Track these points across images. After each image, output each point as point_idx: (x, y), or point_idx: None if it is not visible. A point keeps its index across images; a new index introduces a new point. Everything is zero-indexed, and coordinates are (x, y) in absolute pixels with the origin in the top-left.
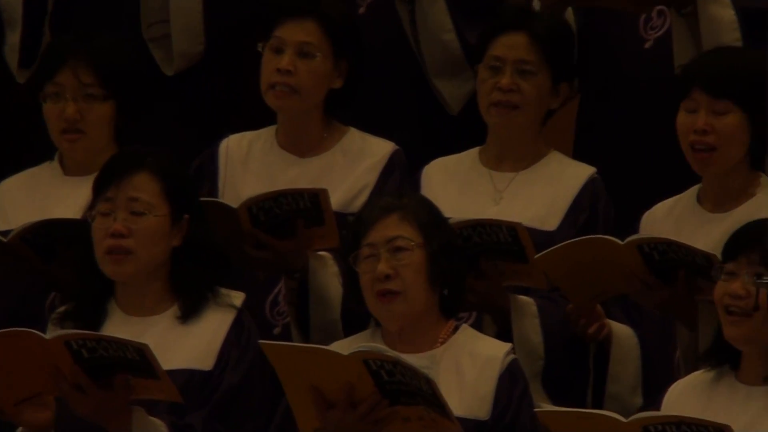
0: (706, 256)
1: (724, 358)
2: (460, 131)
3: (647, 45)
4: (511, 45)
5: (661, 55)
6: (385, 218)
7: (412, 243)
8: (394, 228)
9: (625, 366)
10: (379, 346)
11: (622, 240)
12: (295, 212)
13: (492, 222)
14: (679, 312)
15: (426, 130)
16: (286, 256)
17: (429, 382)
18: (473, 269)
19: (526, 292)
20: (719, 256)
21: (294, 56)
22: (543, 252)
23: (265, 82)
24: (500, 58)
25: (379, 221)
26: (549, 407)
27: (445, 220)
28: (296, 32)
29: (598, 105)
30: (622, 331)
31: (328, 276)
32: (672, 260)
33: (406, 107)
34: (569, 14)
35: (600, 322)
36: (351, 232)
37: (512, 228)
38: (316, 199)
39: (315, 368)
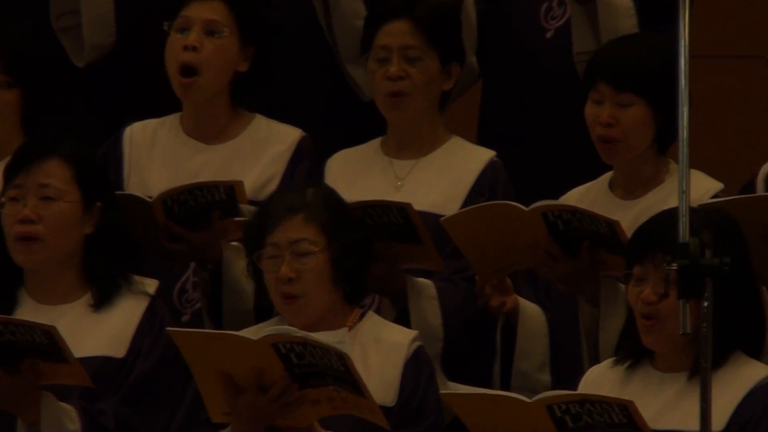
0: (610, 224)
1: (638, 351)
2: (373, 118)
3: (548, 35)
4: (395, 32)
5: (562, 44)
6: (289, 219)
7: (316, 248)
8: (298, 230)
9: (532, 342)
10: (288, 328)
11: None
12: (210, 204)
13: (382, 203)
14: (582, 286)
15: (338, 118)
16: (201, 247)
17: (342, 357)
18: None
19: (427, 275)
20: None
21: (200, 34)
22: (449, 215)
23: (171, 66)
24: (386, 47)
25: (283, 221)
26: (455, 389)
27: (349, 215)
28: (203, 11)
29: (501, 92)
30: (529, 308)
31: (242, 267)
32: (576, 230)
33: (318, 94)
34: (469, 1)
35: (505, 297)
36: (254, 227)
37: (402, 208)
38: (231, 191)
39: (224, 354)
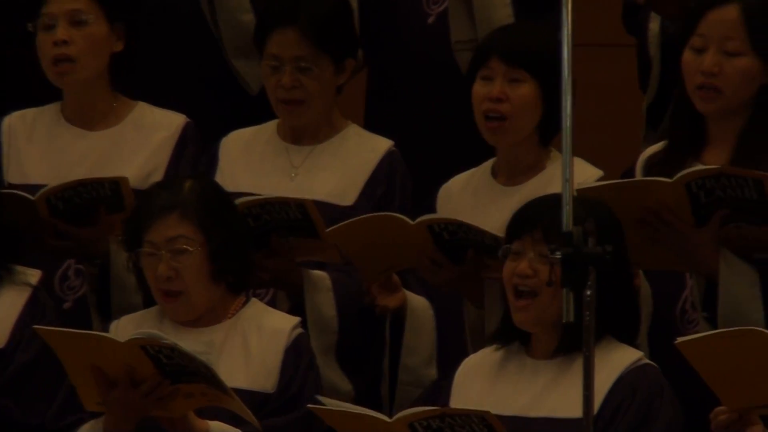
0: (495, 237)
1: (512, 337)
2: (261, 110)
3: (430, 20)
4: (284, 43)
5: (443, 30)
6: (165, 217)
7: (193, 245)
8: (173, 228)
9: (419, 337)
10: (156, 333)
11: (417, 215)
12: (95, 200)
13: (280, 200)
14: (467, 290)
15: (226, 110)
16: (88, 243)
17: (207, 368)
18: (264, 247)
19: (321, 267)
20: None
21: (67, 26)
22: (335, 226)
23: (45, 61)
24: (277, 57)
25: (159, 219)
26: (323, 404)
27: (228, 207)
28: (64, 3)
29: (386, 78)
30: (417, 303)
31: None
32: (462, 239)
33: (206, 80)
34: None
35: (394, 294)
36: (132, 224)
37: (301, 204)
38: (116, 186)
39: (94, 351)
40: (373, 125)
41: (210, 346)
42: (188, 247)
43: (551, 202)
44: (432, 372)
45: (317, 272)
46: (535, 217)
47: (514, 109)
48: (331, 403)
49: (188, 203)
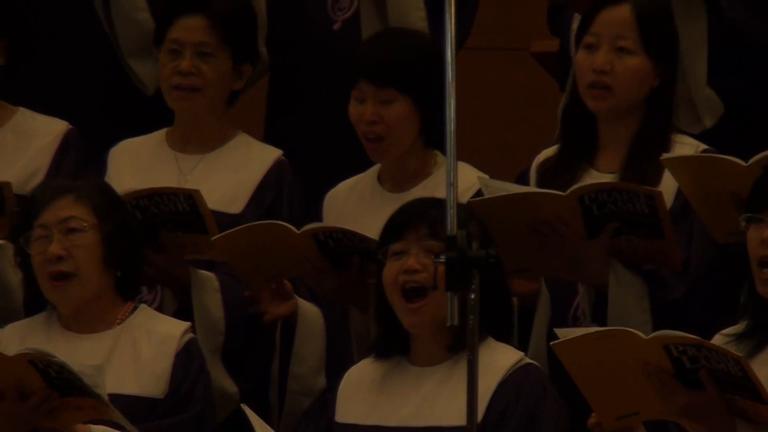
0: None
1: (391, 349)
2: (157, 111)
3: (336, 26)
4: (189, 28)
5: (349, 36)
6: (58, 199)
7: (86, 224)
8: (67, 209)
9: (309, 346)
10: (45, 350)
11: (305, 224)
12: None
13: (169, 190)
14: (352, 297)
15: (115, 109)
16: None
17: (96, 389)
18: (152, 241)
19: (210, 268)
20: None
21: None
22: (221, 234)
23: None
24: (179, 42)
25: (52, 202)
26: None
27: (121, 202)
28: None
29: (290, 86)
30: (308, 311)
31: (5, 263)
32: (346, 246)
33: (94, 85)
34: None
35: (286, 302)
36: (22, 213)
37: (189, 196)
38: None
39: None
40: (273, 133)
41: (98, 371)
42: (82, 226)
43: (429, 202)
44: (321, 381)
45: (205, 272)
46: (419, 215)
47: (389, 129)
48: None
49: (83, 187)
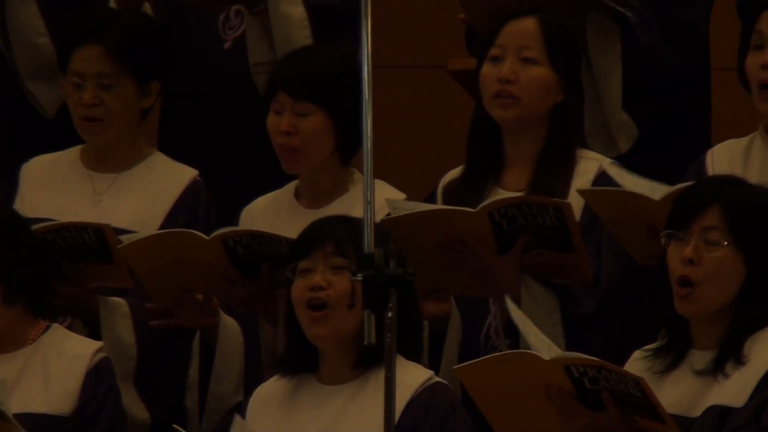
0: (291, 243)
1: (301, 361)
2: (59, 133)
3: (227, 45)
4: (88, 58)
5: (240, 55)
6: None
7: None
8: None
9: (229, 365)
10: None
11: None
12: None
13: (77, 224)
14: (262, 307)
15: (21, 134)
16: None
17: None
18: (58, 273)
19: (121, 294)
20: None
21: None
22: (127, 243)
23: None
24: (79, 73)
25: None
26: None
27: (23, 230)
28: None
29: (182, 105)
30: (229, 327)
31: None
32: (256, 253)
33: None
34: (148, 11)
35: (210, 318)
36: None
37: (98, 229)
38: None
39: None
40: (166, 151)
41: (5, 398)
42: None
43: (336, 219)
44: (239, 398)
45: (114, 299)
46: (325, 232)
47: (304, 141)
48: None
49: None
